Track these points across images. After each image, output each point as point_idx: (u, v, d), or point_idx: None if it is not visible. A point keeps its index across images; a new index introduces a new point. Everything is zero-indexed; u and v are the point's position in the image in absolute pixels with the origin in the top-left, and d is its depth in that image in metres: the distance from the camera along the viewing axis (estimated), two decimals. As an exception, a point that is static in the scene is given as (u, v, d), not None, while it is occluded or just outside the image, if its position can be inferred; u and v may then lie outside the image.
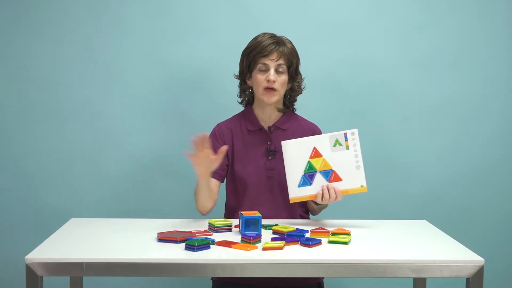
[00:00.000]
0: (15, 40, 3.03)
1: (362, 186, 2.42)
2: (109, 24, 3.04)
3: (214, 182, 2.56)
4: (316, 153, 2.42)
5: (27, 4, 3.02)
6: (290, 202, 2.44)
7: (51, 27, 3.03)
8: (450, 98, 3.13)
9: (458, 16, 3.10)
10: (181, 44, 3.06)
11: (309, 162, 2.42)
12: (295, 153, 2.42)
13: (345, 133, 2.41)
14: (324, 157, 2.41)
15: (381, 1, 3.09)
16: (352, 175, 2.40)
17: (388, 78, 3.11)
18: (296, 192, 2.43)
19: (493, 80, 3.13)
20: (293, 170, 2.42)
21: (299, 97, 2.66)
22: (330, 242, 2.15)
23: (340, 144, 2.41)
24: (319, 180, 2.42)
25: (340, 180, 2.41)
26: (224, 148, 2.34)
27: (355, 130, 2.42)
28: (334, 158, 2.41)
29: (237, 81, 2.67)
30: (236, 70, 2.65)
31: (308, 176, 2.42)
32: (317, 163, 2.42)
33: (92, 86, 3.06)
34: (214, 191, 2.54)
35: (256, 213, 2.20)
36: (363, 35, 3.09)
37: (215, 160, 2.34)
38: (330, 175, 2.41)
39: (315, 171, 2.42)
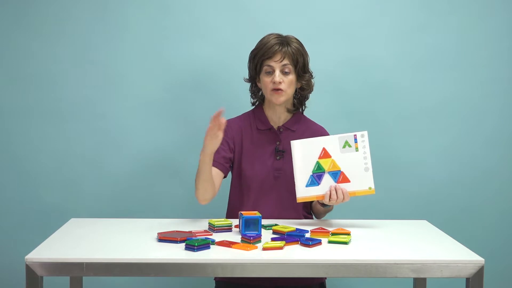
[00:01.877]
0: (15, 40, 3.03)
1: (370, 188, 2.41)
2: (109, 24, 3.04)
3: (217, 171, 2.52)
4: (325, 154, 2.41)
5: (27, 4, 3.02)
6: (297, 201, 2.44)
7: (51, 27, 3.03)
8: (450, 98, 3.12)
9: (458, 16, 3.10)
10: (181, 44, 3.06)
11: (317, 163, 2.41)
12: (304, 153, 2.41)
13: (355, 135, 2.41)
14: (333, 158, 2.40)
15: (382, 1, 3.09)
16: (361, 177, 2.40)
17: (388, 78, 3.11)
18: (303, 192, 2.42)
19: (493, 80, 3.13)
20: (302, 170, 2.41)
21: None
22: (330, 242, 2.15)
23: (350, 146, 2.41)
24: (327, 181, 2.41)
25: (348, 181, 2.40)
26: (223, 120, 2.27)
27: (365, 132, 2.41)
28: (343, 159, 2.40)
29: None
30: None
31: (316, 176, 2.41)
32: (325, 164, 2.41)
33: (92, 86, 3.06)
34: (215, 181, 2.48)
35: (256, 213, 2.20)
36: (363, 35, 3.09)
37: (219, 132, 2.28)
38: (338, 176, 2.41)
39: (324, 172, 2.41)
